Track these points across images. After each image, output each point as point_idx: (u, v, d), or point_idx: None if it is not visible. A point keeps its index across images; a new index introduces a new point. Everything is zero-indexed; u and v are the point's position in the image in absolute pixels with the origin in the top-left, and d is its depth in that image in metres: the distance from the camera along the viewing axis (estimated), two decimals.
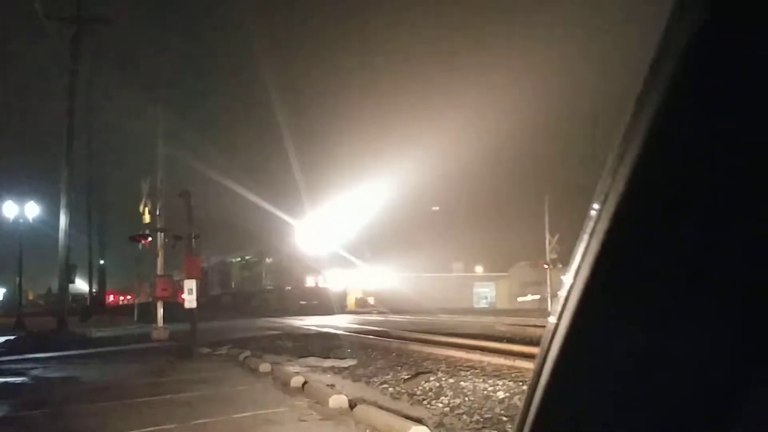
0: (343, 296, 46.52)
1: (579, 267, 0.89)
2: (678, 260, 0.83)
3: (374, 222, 48.51)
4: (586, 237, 0.89)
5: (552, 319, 0.95)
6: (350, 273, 47.01)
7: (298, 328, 26.32)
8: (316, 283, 46.68)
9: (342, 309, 43.50)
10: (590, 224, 0.88)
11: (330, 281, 46.32)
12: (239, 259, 60.42)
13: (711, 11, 0.79)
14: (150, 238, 24.10)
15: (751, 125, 0.78)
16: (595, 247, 0.86)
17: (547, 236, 42.20)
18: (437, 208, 54.57)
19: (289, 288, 47.65)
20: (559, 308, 0.93)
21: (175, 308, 23.51)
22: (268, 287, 51.89)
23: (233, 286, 61.51)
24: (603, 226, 0.85)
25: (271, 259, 52.62)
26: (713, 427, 0.82)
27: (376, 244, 49.15)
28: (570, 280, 0.92)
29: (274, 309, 45.19)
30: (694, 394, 0.83)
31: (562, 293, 0.93)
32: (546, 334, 0.96)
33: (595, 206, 0.87)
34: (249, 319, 34.62)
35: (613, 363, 0.88)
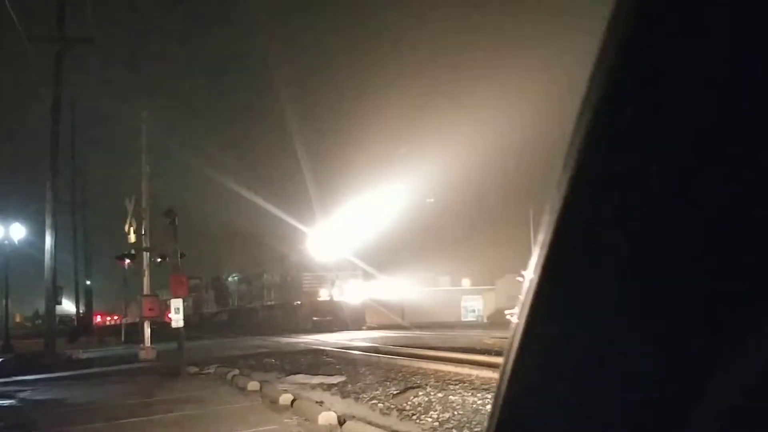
0: (361, 310, 42.46)
1: (534, 267, 0.93)
2: (627, 255, 0.86)
3: (365, 236, 45.08)
4: (540, 236, 0.92)
5: (514, 319, 0.98)
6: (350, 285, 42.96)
7: (287, 345, 26.25)
8: (331, 297, 41.85)
9: (360, 325, 40.08)
10: (544, 220, 0.91)
11: (346, 294, 41.95)
12: (237, 273, 56.19)
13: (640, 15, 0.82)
14: (136, 258, 24.05)
15: (687, 123, 0.81)
16: (546, 243, 0.90)
17: (533, 249, 42.34)
18: (432, 200, 51.73)
19: (299, 303, 43.00)
20: (518, 308, 0.96)
21: (163, 328, 23.44)
22: (272, 303, 47.45)
23: (231, 302, 57.14)
24: (552, 223, 0.89)
25: (275, 272, 47.65)
26: (674, 422, 0.85)
27: (370, 258, 45.38)
28: (527, 282, 0.95)
29: (281, 327, 41.13)
30: (652, 388, 0.86)
31: (521, 294, 0.96)
32: (509, 336, 0.99)
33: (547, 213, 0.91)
34: (249, 338, 33.28)
35: (569, 360, 0.91)
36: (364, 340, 26.09)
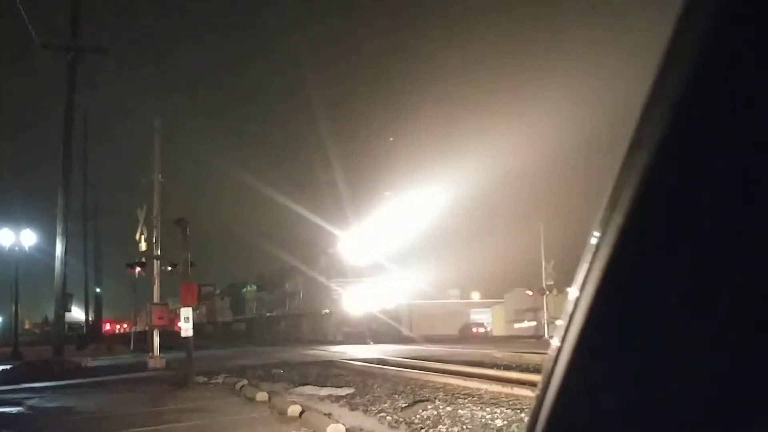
0: (396, 320, 38.76)
1: (582, 288, 0.90)
2: (680, 279, 0.84)
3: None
4: (588, 258, 0.90)
5: (555, 341, 0.96)
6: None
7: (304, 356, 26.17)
8: (363, 306, 38.05)
9: (396, 337, 36.47)
10: (593, 245, 0.89)
11: (380, 303, 38.27)
12: (255, 282, 53.00)
13: (722, 10, 0.79)
14: (146, 266, 24.05)
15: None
16: (598, 267, 0.87)
17: (543, 263, 42.21)
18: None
19: (327, 312, 39.30)
20: (562, 331, 0.94)
21: (173, 337, 23.40)
22: (296, 312, 43.74)
23: (248, 311, 54.17)
24: (606, 248, 0.87)
25: (300, 278, 43.54)
26: None
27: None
28: (572, 305, 0.93)
29: (306, 337, 38.66)
30: (701, 409, 0.83)
31: (565, 317, 0.94)
32: (550, 356, 0.97)
33: (596, 233, 0.89)
34: (271, 349, 31.34)
35: (618, 382, 0.88)
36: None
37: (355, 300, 38.22)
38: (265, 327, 48.23)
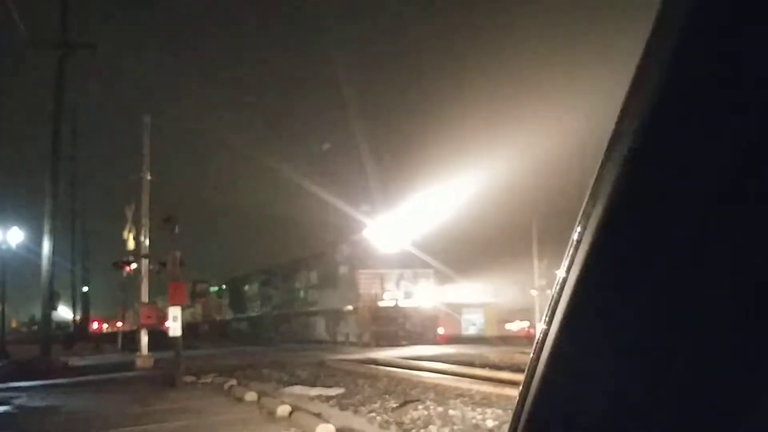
0: (433, 319, 34.08)
1: (567, 273, 0.91)
2: (664, 267, 0.83)
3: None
4: (570, 252, 0.91)
5: (542, 326, 0.96)
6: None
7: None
8: (396, 302, 32.94)
9: (432, 338, 32.46)
10: (576, 234, 0.90)
11: (415, 298, 33.51)
12: (260, 275, 48.04)
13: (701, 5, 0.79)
14: (134, 265, 23.90)
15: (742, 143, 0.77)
16: (582, 254, 0.88)
17: (536, 262, 42.21)
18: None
19: (352, 308, 34.38)
20: (548, 315, 0.95)
21: (163, 336, 23.30)
22: (311, 309, 38.88)
23: (250, 309, 49.85)
24: (589, 235, 0.87)
25: (316, 271, 38.65)
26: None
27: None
28: (558, 287, 0.94)
29: (324, 338, 35.41)
30: (688, 397, 0.83)
31: (551, 300, 0.95)
32: (537, 342, 0.98)
33: (578, 226, 0.90)
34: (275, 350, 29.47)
35: (603, 366, 0.88)
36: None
37: (386, 295, 33.52)
38: (270, 326, 44.26)
